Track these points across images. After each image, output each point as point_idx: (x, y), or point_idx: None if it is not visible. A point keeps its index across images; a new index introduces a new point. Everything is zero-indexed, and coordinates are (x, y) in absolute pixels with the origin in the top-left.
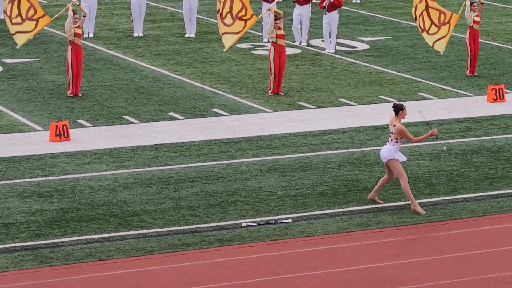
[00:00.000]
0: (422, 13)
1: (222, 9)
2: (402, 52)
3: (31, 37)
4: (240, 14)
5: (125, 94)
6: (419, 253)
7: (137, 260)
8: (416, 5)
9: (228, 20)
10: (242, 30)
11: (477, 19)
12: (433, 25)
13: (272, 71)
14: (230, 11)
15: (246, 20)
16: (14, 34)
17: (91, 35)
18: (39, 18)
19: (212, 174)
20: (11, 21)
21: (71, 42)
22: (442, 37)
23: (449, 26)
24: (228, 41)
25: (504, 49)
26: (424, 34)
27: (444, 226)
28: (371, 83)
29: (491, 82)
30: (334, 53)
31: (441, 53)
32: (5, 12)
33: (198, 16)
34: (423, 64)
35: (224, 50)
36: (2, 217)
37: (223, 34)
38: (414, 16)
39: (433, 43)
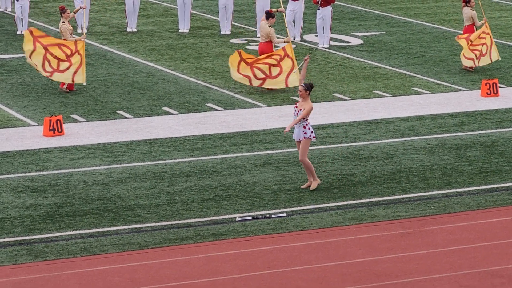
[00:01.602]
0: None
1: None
2: (396, 47)
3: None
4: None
5: (119, 89)
6: (413, 246)
7: (132, 255)
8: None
9: (63, 66)
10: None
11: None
12: (482, 45)
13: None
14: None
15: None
16: (72, 80)
17: (85, 30)
18: (71, 56)
19: (206, 168)
20: (59, 71)
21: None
22: (491, 48)
23: (490, 35)
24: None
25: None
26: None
27: (438, 220)
28: (365, 78)
29: (485, 76)
30: (328, 48)
31: (469, 66)
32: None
33: (191, 11)
34: (417, 59)
35: (84, 84)
36: None
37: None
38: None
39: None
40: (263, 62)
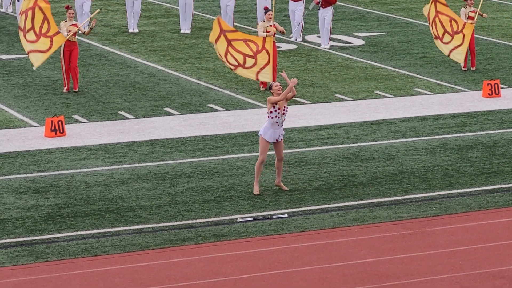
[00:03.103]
0: (434, 19)
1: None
2: (398, 48)
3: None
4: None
5: (121, 89)
6: (415, 247)
7: (133, 256)
8: (429, 10)
9: (31, 36)
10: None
11: (472, 14)
12: (446, 34)
13: None
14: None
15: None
16: (28, 53)
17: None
18: (53, 36)
19: (207, 169)
20: (25, 36)
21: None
22: (458, 46)
23: (464, 36)
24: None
25: (499, 44)
26: (438, 42)
27: (440, 221)
28: (366, 79)
29: (487, 77)
30: (329, 48)
31: (461, 65)
32: (19, 28)
33: (193, 12)
34: (419, 60)
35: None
36: None
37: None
38: (428, 22)
39: (449, 53)
40: (240, 50)
